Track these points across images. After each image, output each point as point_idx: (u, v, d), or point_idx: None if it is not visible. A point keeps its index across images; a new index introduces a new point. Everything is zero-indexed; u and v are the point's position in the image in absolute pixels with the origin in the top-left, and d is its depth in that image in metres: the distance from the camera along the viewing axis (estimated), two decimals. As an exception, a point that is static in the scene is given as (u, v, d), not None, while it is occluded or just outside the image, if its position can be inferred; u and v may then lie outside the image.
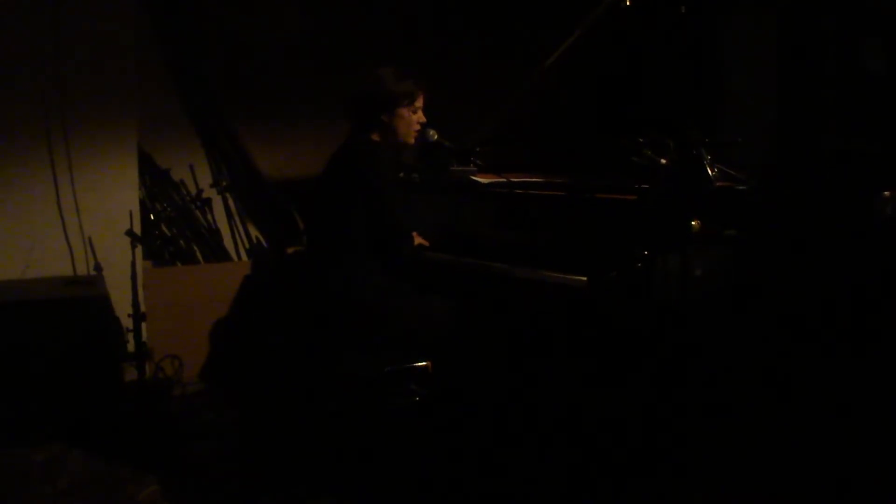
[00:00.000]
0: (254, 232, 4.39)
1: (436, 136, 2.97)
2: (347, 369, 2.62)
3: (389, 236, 2.74)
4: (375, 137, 2.83)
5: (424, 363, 2.62)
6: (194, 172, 4.24)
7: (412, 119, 2.84)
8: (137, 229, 3.64)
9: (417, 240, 3.02)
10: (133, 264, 3.51)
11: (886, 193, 2.60)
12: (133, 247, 3.53)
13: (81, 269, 3.74)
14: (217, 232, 4.25)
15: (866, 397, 2.61)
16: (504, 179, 2.93)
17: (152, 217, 4.04)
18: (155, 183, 4.13)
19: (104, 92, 3.71)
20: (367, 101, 2.80)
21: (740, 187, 2.69)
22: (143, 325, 3.58)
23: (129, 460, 2.97)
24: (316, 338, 2.82)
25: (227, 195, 4.28)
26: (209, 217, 4.24)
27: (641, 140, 2.53)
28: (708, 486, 2.50)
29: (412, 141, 2.89)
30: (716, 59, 3.51)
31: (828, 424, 2.62)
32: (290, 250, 4.25)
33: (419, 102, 2.85)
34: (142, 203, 3.96)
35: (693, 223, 2.34)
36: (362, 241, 2.71)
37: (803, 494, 2.50)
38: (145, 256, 3.91)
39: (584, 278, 2.41)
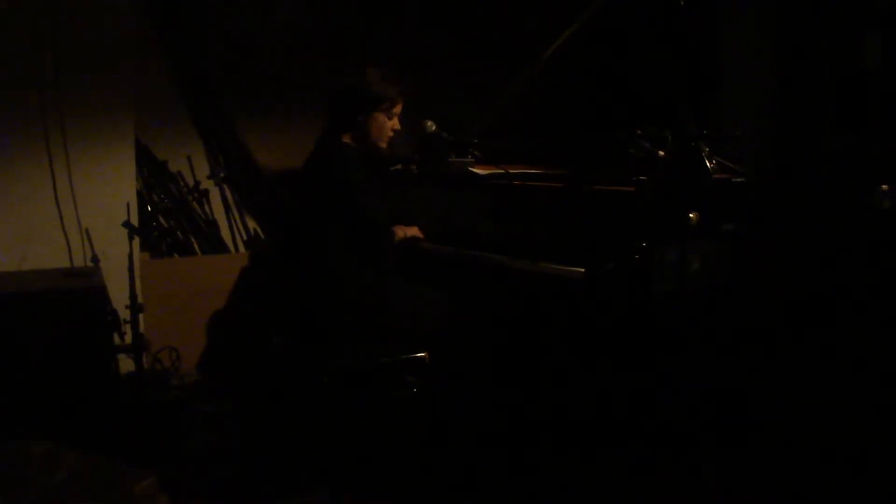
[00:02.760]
0: (251, 224, 4.39)
1: (434, 128, 2.96)
2: (344, 361, 2.62)
3: (368, 236, 2.73)
4: (346, 139, 2.79)
5: (421, 354, 2.62)
6: (192, 164, 4.24)
7: (387, 125, 2.80)
8: (135, 221, 3.63)
9: (412, 231, 3.02)
10: (130, 256, 3.50)
11: (884, 186, 2.60)
12: (130, 238, 3.53)
13: (78, 261, 3.74)
14: (214, 223, 4.25)
15: (865, 393, 2.61)
16: (502, 171, 2.92)
17: (150, 208, 4.04)
18: (152, 174, 4.12)
19: (101, 83, 3.69)
20: (347, 97, 2.77)
21: (738, 180, 2.69)
22: (141, 316, 3.57)
23: (127, 452, 2.98)
24: (312, 330, 2.81)
25: (225, 187, 4.27)
26: (206, 209, 4.23)
27: (639, 132, 2.53)
28: (705, 481, 2.50)
29: (384, 146, 2.84)
30: (714, 51, 3.50)
31: (827, 420, 2.62)
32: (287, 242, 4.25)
33: (397, 109, 2.82)
34: (139, 194, 3.95)
35: (691, 215, 2.34)
36: (344, 239, 2.70)
37: (802, 491, 2.51)
38: (142, 248, 3.91)
39: (582, 270, 2.41)
